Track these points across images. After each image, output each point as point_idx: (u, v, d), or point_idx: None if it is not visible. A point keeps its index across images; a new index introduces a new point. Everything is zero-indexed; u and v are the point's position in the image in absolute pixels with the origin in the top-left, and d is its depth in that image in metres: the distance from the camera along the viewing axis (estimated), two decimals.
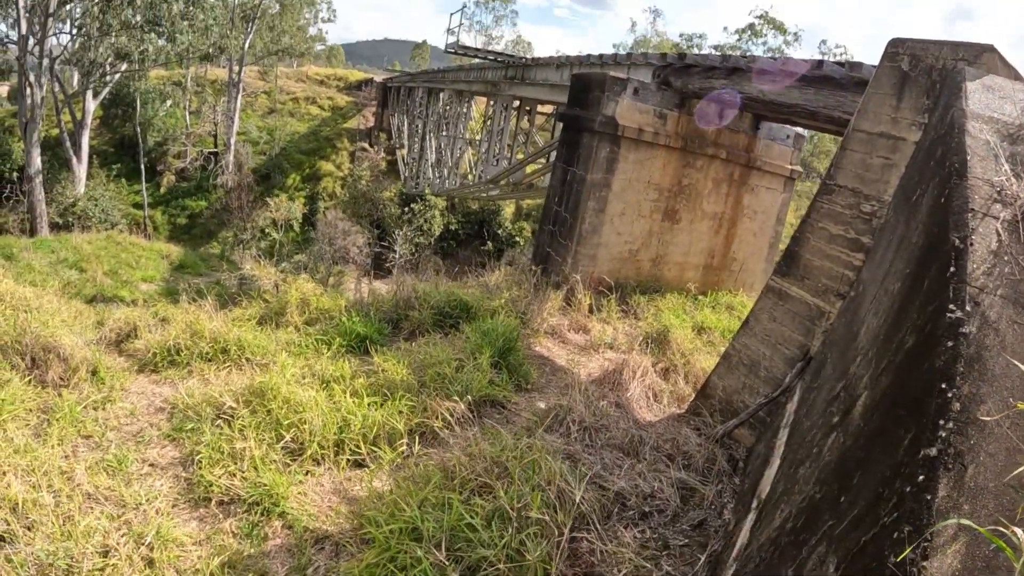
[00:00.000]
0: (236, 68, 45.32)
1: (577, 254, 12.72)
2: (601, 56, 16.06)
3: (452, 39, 23.99)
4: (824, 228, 6.61)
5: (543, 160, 20.84)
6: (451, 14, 21.62)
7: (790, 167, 14.79)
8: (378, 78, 61.76)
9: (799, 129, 14.60)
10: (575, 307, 11.71)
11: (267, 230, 28.21)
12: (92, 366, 6.91)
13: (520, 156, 23.99)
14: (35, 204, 28.38)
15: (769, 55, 38.53)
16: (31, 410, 5.99)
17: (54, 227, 29.06)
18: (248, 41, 44.44)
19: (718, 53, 12.49)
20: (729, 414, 6.94)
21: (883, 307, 3.60)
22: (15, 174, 32.03)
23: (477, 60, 28.26)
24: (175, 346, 7.70)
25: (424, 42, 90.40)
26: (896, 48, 6.40)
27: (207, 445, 5.59)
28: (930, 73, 6.06)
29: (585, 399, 7.00)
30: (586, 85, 13.15)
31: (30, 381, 6.40)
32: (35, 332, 6.87)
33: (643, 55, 14.36)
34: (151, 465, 5.59)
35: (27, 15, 27.63)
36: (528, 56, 21.88)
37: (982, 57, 5.67)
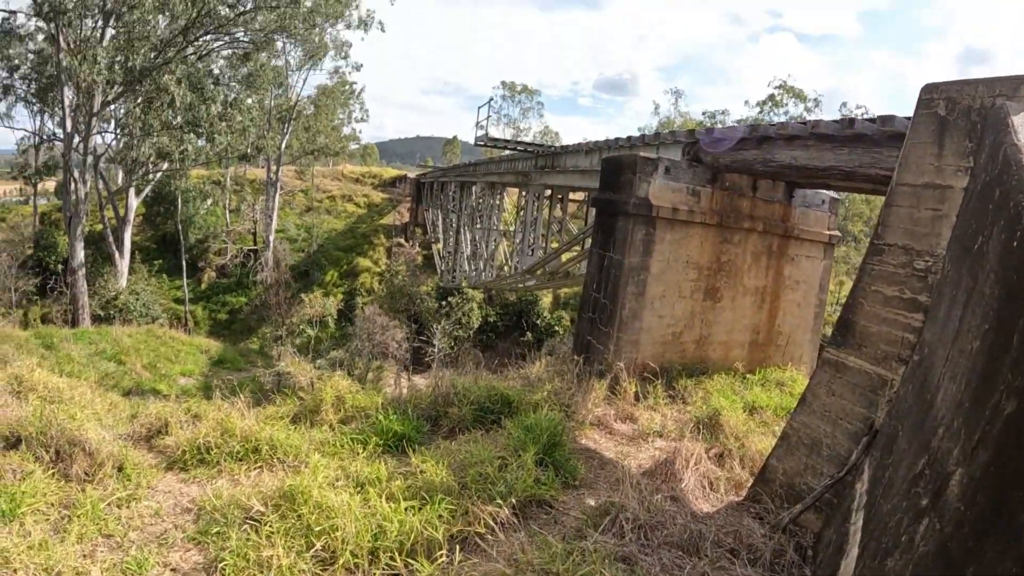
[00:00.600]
0: (274, 168, 46.84)
1: (619, 340, 12.32)
2: (629, 138, 16.07)
3: (481, 132, 24.36)
4: (877, 291, 6.24)
5: (578, 248, 20.76)
6: (479, 107, 22.12)
7: (828, 233, 14.38)
8: (411, 174, 63.06)
9: (833, 193, 14.32)
10: (620, 395, 11.25)
11: (302, 327, 28.35)
12: (118, 462, 6.68)
13: (555, 245, 23.97)
14: (78, 296, 29.02)
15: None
16: (52, 504, 5.74)
17: (96, 319, 29.52)
18: (285, 142, 45.95)
19: (745, 124, 12.37)
20: (792, 499, 6.42)
21: (962, 369, 3.23)
22: (60, 266, 33.18)
23: (507, 151, 28.70)
24: (205, 444, 7.45)
25: (455, 138, 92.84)
26: (930, 94, 6.16)
27: (232, 552, 5.24)
28: (969, 114, 5.80)
29: (638, 494, 6.54)
30: (617, 168, 13.00)
31: (53, 474, 6.19)
32: (61, 424, 6.70)
33: (671, 133, 14.28)
34: (173, 570, 5.24)
35: (72, 114, 28.95)
36: (557, 145, 22.13)
37: (1021, 89, 5.40)
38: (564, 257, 21.88)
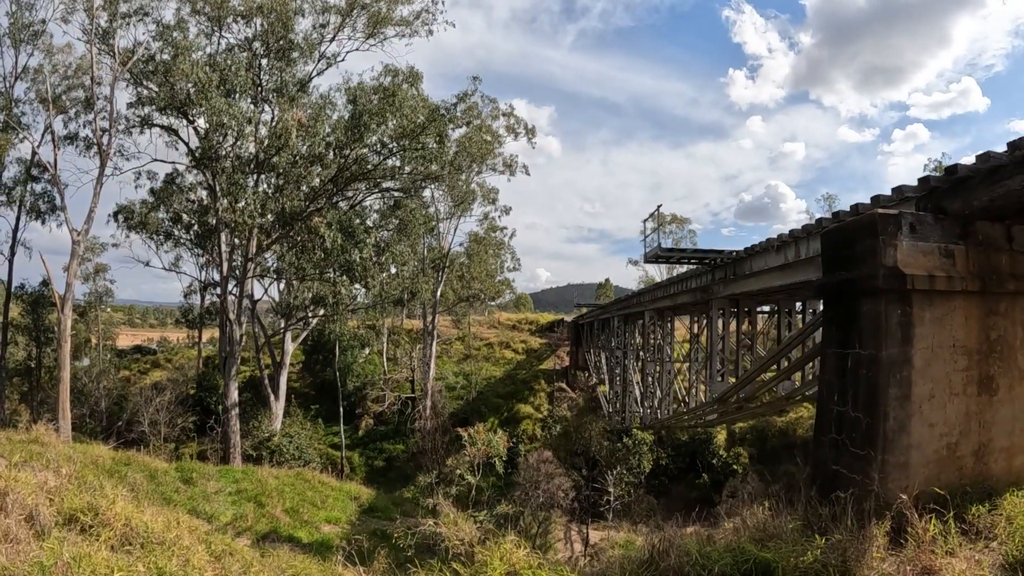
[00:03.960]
0: (429, 317, 47.14)
1: (884, 464, 8.85)
2: (836, 215, 13.01)
3: (651, 247, 21.72)
4: None
5: (774, 369, 17.44)
6: (644, 221, 20.06)
7: None
8: (568, 318, 62.23)
9: None
10: (913, 539, 7.72)
11: (462, 472, 25.31)
12: None
13: (746, 365, 20.53)
14: (230, 435, 29.02)
15: None
16: None
17: (248, 459, 29.27)
18: (440, 290, 46.31)
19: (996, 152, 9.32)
20: None
21: None
22: (219, 407, 33.26)
23: (680, 268, 26.15)
24: None
25: (607, 281, 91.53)
26: None
27: None
28: None
29: None
30: (847, 238, 10.10)
31: None
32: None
33: (897, 190, 11.13)
34: None
35: (228, 257, 30.10)
36: (737, 250, 19.11)
37: None
38: (760, 379, 18.39)
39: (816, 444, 10.64)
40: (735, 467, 37.05)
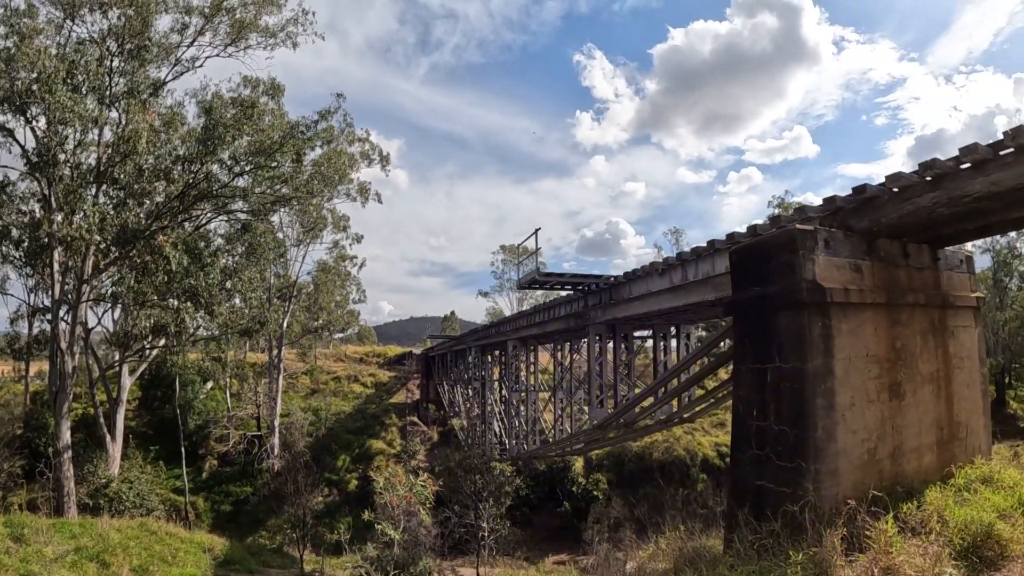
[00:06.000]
0: (276, 350, 45.19)
1: (817, 475, 8.99)
2: (731, 236, 13.27)
3: (527, 270, 21.31)
4: None
5: (652, 394, 17.54)
6: (519, 245, 19.37)
7: (974, 295, 12.28)
8: (417, 351, 61.74)
9: (968, 251, 12.75)
10: (874, 542, 7.64)
11: (381, 527, 22.45)
12: None
13: (624, 391, 20.61)
14: (62, 482, 25.56)
15: None
16: None
17: (84, 509, 26.03)
18: (286, 321, 44.59)
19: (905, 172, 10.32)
20: None
21: None
22: (50, 449, 29.62)
23: (530, 300, 26.00)
24: None
25: (452, 314, 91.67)
26: None
27: None
28: None
29: None
30: (762, 253, 10.28)
31: None
32: None
33: (799, 209, 11.73)
34: None
35: (60, 279, 26.89)
36: (615, 275, 18.93)
37: None
38: (639, 407, 18.42)
39: (735, 462, 10.60)
40: (595, 493, 37.72)
